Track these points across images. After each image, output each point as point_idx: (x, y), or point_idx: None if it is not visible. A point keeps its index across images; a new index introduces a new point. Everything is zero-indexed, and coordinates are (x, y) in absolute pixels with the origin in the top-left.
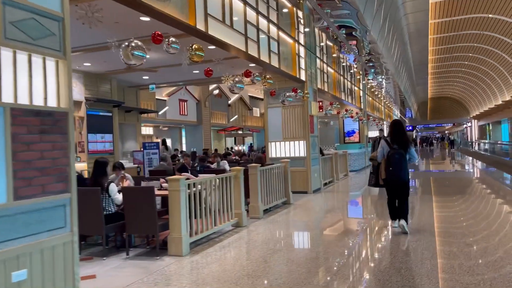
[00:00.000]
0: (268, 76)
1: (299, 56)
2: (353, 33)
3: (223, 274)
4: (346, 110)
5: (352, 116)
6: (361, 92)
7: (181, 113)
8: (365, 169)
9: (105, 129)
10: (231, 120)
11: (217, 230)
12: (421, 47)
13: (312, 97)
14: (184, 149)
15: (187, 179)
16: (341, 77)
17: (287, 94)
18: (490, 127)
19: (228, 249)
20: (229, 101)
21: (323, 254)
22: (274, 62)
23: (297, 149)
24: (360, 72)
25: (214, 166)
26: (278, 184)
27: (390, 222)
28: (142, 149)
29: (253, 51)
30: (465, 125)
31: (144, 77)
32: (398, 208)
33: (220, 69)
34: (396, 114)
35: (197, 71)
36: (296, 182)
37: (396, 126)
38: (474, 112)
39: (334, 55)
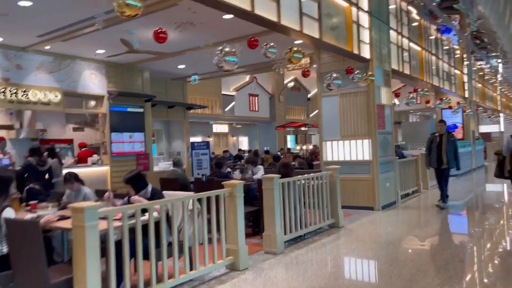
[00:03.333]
0: (370, 73)
1: (358, 25)
2: (455, 5)
3: None
4: (441, 99)
5: (450, 107)
6: (465, 77)
7: (252, 109)
8: (471, 172)
9: (135, 127)
10: (311, 115)
11: (195, 276)
12: None
13: (382, 81)
14: (257, 148)
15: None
16: (433, 57)
17: (334, 75)
18: None
19: None
20: (309, 95)
21: None
22: (312, 31)
23: (359, 149)
24: (464, 54)
25: (236, 174)
26: (319, 200)
27: None
28: (189, 149)
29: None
30: None
31: (179, 67)
32: None
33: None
34: None
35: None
36: (358, 195)
37: None
38: None
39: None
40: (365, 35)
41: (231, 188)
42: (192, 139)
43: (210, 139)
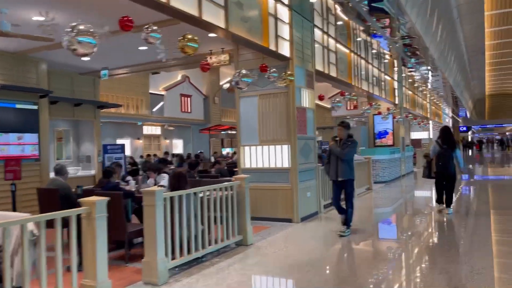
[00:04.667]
0: (289, 73)
1: (276, 19)
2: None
3: None
4: (370, 105)
5: (380, 113)
6: (395, 83)
7: (183, 110)
8: (400, 179)
9: (26, 127)
10: None
11: None
12: (475, 26)
13: (304, 82)
14: (191, 152)
15: None
16: (363, 61)
17: (243, 72)
18: None
19: None
20: None
21: None
22: (216, 19)
23: (278, 156)
24: (394, 60)
25: (131, 184)
26: (225, 214)
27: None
28: (101, 152)
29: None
30: None
31: (83, 59)
32: (445, 196)
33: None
34: (447, 113)
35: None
36: (277, 206)
37: (446, 132)
38: None
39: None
40: (285, 31)
41: (89, 206)
42: (120, 141)
43: (140, 142)
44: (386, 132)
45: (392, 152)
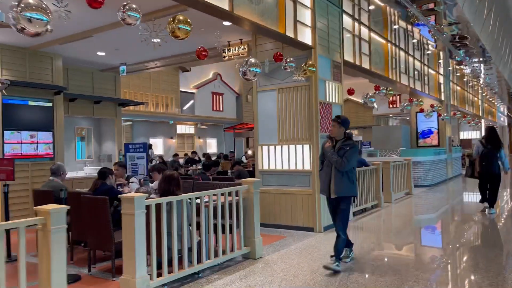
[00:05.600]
0: (310, 63)
1: (295, 2)
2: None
3: None
4: (411, 100)
5: (422, 110)
6: (441, 78)
7: (215, 108)
8: (446, 182)
9: (39, 125)
10: None
11: None
12: None
13: (330, 74)
14: (224, 152)
15: None
16: (402, 52)
17: (252, 61)
18: None
19: None
20: None
21: None
22: (221, 1)
23: (299, 157)
24: (440, 52)
25: (132, 186)
26: (231, 222)
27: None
28: (121, 151)
29: None
30: None
31: (99, 54)
32: (489, 196)
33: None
34: (502, 111)
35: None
36: (296, 212)
37: (491, 132)
38: None
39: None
40: (306, 17)
41: (43, 216)
42: (153, 140)
43: (173, 141)
44: (430, 132)
45: (437, 153)
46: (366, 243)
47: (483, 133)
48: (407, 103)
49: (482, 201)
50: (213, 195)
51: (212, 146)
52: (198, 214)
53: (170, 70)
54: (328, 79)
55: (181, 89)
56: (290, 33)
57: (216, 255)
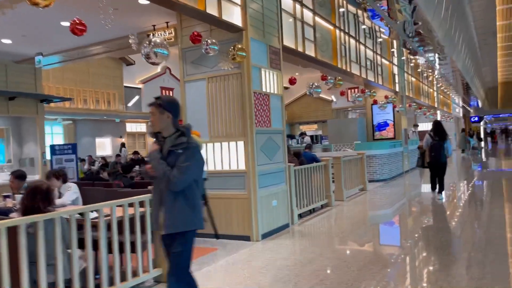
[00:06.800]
0: (239, 46)
1: None
2: None
3: None
4: (363, 91)
5: (375, 102)
6: (395, 69)
7: None
8: (403, 175)
9: None
10: None
11: None
12: (485, 2)
13: (267, 61)
14: None
15: None
16: (352, 40)
17: (157, 41)
18: None
19: None
20: None
21: None
22: None
23: (233, 155)
24: (394, 41)
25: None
26: (132, 241)
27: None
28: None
29: None
30: None
31: (4, 41)
32: (438, 183)
33: None
34: (457, 102)
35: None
36: (231, 219)
37: (438, 125)
38: None
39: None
40: None
41: None
42: (99, 140)
43: (122, 140)
44: (386, 124)
45: (393, 146)
46: (308, 252)
47: (431, 127)
48: (358, 95)
49: (433, 189)
50: (94, 210)
51: None
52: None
53: (112, 64)
54: (264, 66)
55: (125, 84)
56: (212, 11)
57: (111, 283)
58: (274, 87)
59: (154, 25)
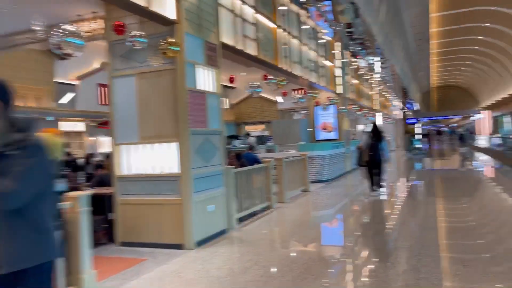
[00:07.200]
0: (171, 40)
1: None
2: None
3: None
4: (305, 92)
5: (317, 103)
6: (337, 71)
7: (103, 102)
8: (345, 175)
9: None
10: None
11: None
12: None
13: (203, 58)
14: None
15: None
16: (295, 40)
17: (69, 29)
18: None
19: None
20: None
21: None
22: None
23: (165, 157)
24: (336, 42)
25: None
26: None
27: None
28: None
29: None
30: (473, 117)
31: None
32: (374, 180)
33: None
34: (396, 105)
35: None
36: (164, 226)
37: (375, 127)
38: (485, 102)
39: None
40: None
41: None
42: None
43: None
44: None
45: (335, 147)
46: (243, 260)
47: (370, 128)
48: (300, 95)
49: (371, 186)
50: None
51: (105, 145)
52: None
53: (42, 58)
54: (200, 63)
55: (57, 80)
56: (139, 1)
57: None
58: (211, 85)
59: (79, 15)
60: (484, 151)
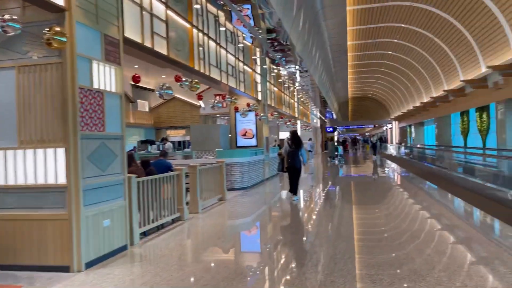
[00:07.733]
0: (58, 29)
1: None
2: None
3: None
4: (223, 97)
5: (237, 109)
6: (258, 77)
7: None
8: (264, 182)
9: None
10: None
11: None
12: (338, 21)
13: (100, 53)
14: None
15: None
16: (212, 43)
17: None
18: (412, 129)
19: None
20: None
21: None
22: None
23: (50, 166)
24: (257, 48)
25: None
26: None
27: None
28: None
29: None
30: (385, 127)
31: None
32: (293, 186)
33: None
34: (315, 113)
35: None
36: (47, 246)
37: (294, 135)
38: (395, 113)
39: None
40: None
41: None
42: None
43: None
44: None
45: (254, 154)
46: (138, 284)
47: (288, 136)
48: (217, 100)
49: (290, 191)
50: None
51: None
52: None
53: None
54: (96, 58)
55: None
56: None
57: None
58: (111, 84)
59: None
60: (393, 159)
